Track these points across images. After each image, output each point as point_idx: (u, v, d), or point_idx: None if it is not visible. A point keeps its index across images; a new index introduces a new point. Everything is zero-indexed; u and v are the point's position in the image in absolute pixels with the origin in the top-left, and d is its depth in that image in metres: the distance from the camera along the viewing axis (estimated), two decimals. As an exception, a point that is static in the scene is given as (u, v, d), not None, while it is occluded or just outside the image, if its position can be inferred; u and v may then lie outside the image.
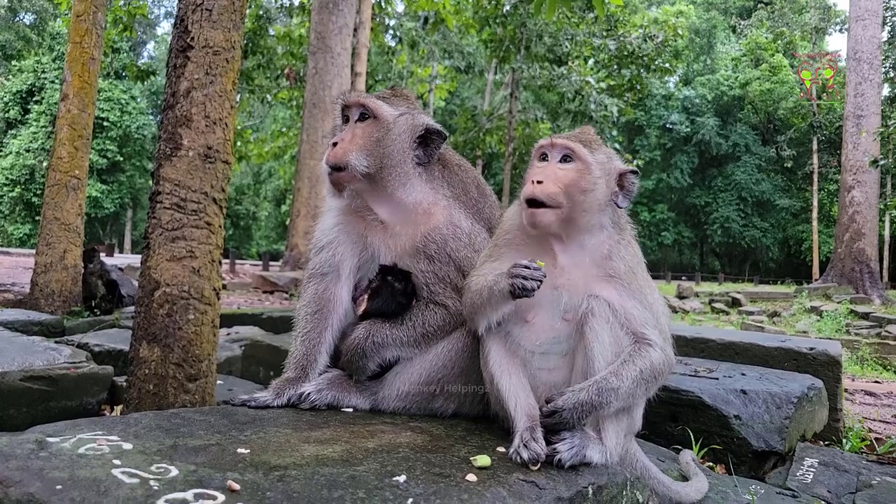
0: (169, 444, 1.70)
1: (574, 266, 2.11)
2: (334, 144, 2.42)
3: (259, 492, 1.44)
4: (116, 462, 1.53)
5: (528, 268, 1.95)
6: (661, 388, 3.67)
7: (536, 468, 1.79)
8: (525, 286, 1.92)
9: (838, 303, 19.28)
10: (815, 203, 45.11)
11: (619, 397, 1.95)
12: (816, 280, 30.00)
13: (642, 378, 2.00)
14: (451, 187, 2.52)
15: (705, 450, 3.55)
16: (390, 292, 2.35)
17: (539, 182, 2.03)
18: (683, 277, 42.15)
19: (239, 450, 1.72)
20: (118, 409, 3.89)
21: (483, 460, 1.78)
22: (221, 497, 1.39)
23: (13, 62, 51.86)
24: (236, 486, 1.44)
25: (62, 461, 1.51)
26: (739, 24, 59.00)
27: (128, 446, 1.65)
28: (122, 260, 21.37)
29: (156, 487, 1.40)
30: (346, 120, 2.54)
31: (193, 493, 1.39)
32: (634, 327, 2.05)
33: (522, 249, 2.16)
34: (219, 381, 3.81)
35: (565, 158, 2.10)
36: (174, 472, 1.51)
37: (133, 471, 1.48)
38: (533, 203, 2.03)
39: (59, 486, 1.36)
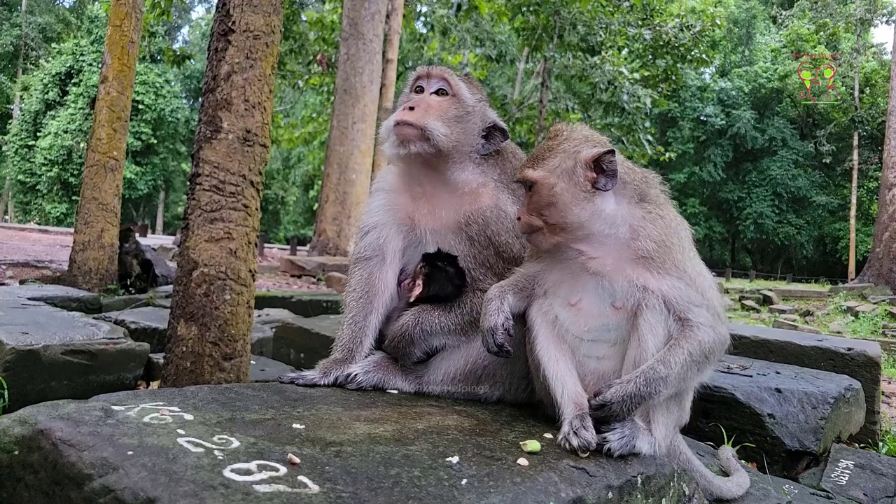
0: (227, 417, 1.75)
1: (603, 252, 2.08)
2: (410, 108, 2.43)
3: (318, 466, 1.47)
4: (180, 431, 1.58)
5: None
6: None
7: (585, 456, 1.79)
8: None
9: (875, 304, 18.79)
10: (854, 200, 43.93)
11: (669, 384, 1.92)
12: (852, 279, 29.29)
13: (692, 360, 1.95)
14: (502, 173, 2.54)
15: (737, 447, 3.50)
16: (445, 276, 2.37)
17: (519, 219, 2.17)
18: (714, 273, 41.42)
19: (294, 425, 1.75)
20: (154, 384, 3.99)
21: (533, 445, 1.79)
22: (283, 469, 1.43)
23: (53, 45, 52.99)
24: (297, 460, 1.48)
25: (130, 428, 1.56)
26: (780, 15, 57.34)
27: (189, 417, 1.70)
28: (155, 240, 21.81)
29: (220, 457, 1.45)
30: (418, 90, 2.56)
31: (256, 465, 1.43)
32: (678, 311, 2.01)
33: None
34: (252, 362, 3.87)
35: (529, 186, 2.14)
36: (235, 443, 1.55)
37: (197, 440, 1.53)
38: (526, 234, 2.20)
39: (129, 452, 1.41)
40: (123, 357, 3.88)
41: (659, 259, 2.04)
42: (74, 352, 3.63)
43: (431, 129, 2.38)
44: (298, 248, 27.28)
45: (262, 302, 7.64)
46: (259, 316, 6.47)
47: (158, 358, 3.85)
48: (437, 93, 2.52)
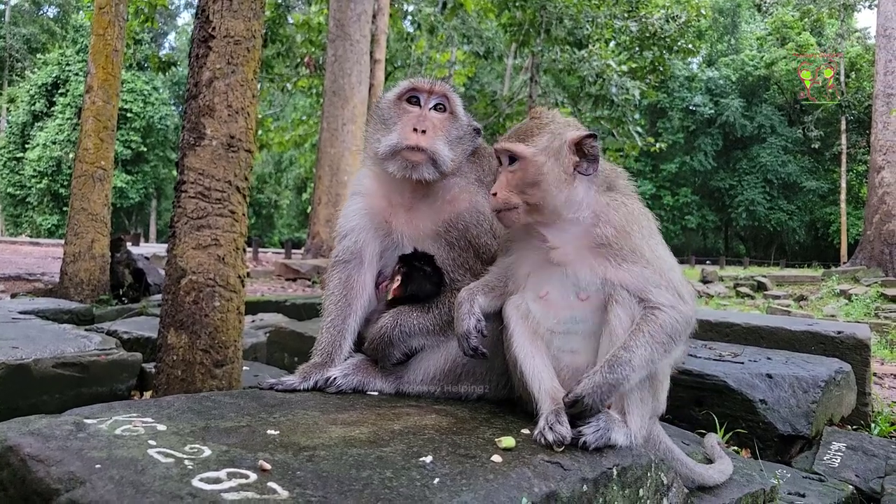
0: (201, 426, 1.75)
1: (564, 240, 2.10)
2: (422, 131, 2.37)
3: (289, 471, 1.47)
4: (152, 442, 1.57)
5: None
6: (685, 372, 3.69)
7: (561, 450, 1.80)
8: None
9: (867, 286, 18.90)
10: (844, 184, 44.22)
11: (635, 368, 1.92)
12: (845, 263, 29.48)
13: (655, 342, 1.95)
14: (479, 173, 2.54)
15: (730, 434, 3.53)
16: (422, 276, 2.37)
17: (494, 194, 2.10)
18: (708, 262, 41.65)
19: (269, 431, 1.75)
20: (147, 394, 3.98)
21: (508, 442, 1.79)
22: (253, 476, 1.43)
23: (38, 55, 52.69)
24: (267, 466, 1.47)
25: (100, 441, 1.55)
26: (765, 3, 57.62)
27: (162, 427, 1.70)
28: (148, 249, 21.72)
29: (190, 467, 1.44)
30: (412, 101, 2.49)
31: (226, 472, 1.43)
32: (636, 294, 2.01)
33: (518, 239, 2.23)
34: (245, 367, 3.87)
35: (511, 160, 2.10)
36: (207, 452, 1.55)
37: (168, 451, 1.53)
38: (497, 211, 2.13)
39: (98, 465, 1.40)
40: (115, 368, 3.87)
41: (617, 245, 2.04)
42: (65, 364, 3.61)
43: (442, 155, 2.37)
44: (293, 251, 27.25)
45: (256, 307, 7.63)
46: (253, 321, 6.46)
47: (151, 368, 3.84)
48: (435, 108, 2.48)
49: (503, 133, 2.24)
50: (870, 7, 47.14)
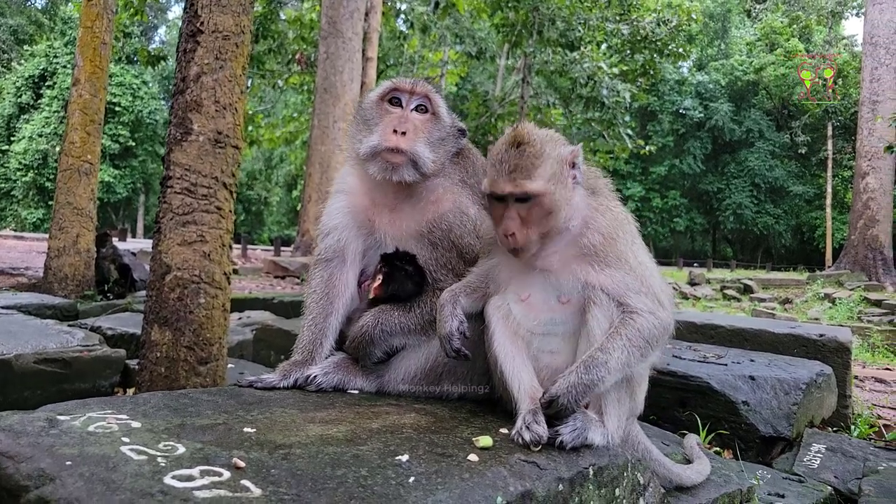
0: (177, 423, 1.73)
1: (551, 250, 2.10)
2: (402, 133, 2.34)
3: (264, 469, 1.46)
4: (125, 439, 1.56)
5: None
6: (669, 373, 3.72)
7: (538, 449, 1.80)
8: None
9: (851, 290, 19.12)
10: (829, 189, 44.67)
11: (611, 370, 1.94)
12: (829, 267, 29.81)
13: (632, 346, 1.97)
14: (464, 173, 2.53)
15: (713, 435, 3.56)
16: (404, 275, 2.37)
17: (512, 235, 2.02)
18: (695, 264, 41.99)
19: (245, 429, 1.74)
20: (131, 391, 3.96)
21: (485, 441, 1.79)
22: (227, 474, 1.42)
23: (25, 47, 52.10)
24: (241, 464, 1.46)
25: (72, 438, 1.54)
26: (754, 8, 58.14)
27: (136, 424, 1.68)
28: (135, 244, 21.54)
29: (163, 464, 1.43)
30: (393, 102, 2.47)
31: (199, 470, 1.42)
32: (617, 298, 2.03)
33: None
34: (230, 365, 3.85)
35: (523, 199, 2.03)
36: (181, 449, 1.54)
37: (141, 448, 1.51)
38: (516, 249, 2.05)
39: (68, 462, 1.39)
40: (99, 364, 3.85)
41: (603, 252, 2.06)
42: (48, 360, 3.59)
43: (422, 157, 2.36)
44: (282, 248, 27.16)
45: (244, 304, 7.60)
46: (240, 318, 6.44)
47: (136, 364, 3.82)
48: (416, 109, 2.46)
49: (495, 133, 2.21)
50: (857, 15, 47.73)
